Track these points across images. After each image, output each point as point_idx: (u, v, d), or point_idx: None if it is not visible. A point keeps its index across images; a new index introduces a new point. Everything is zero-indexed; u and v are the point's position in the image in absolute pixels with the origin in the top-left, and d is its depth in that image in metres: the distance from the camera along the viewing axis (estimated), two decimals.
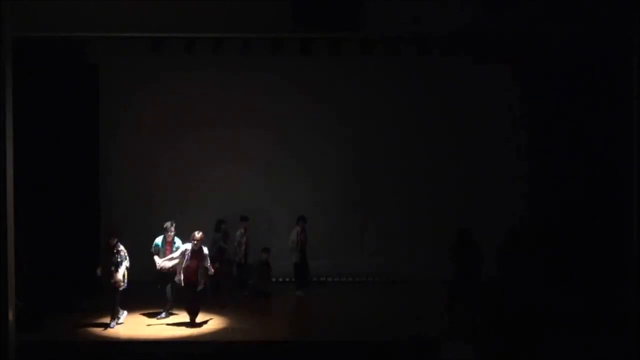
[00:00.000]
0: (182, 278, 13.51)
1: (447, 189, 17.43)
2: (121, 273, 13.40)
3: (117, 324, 13.53)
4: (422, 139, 17.55)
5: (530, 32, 13.37)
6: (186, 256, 13.54)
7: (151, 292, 14.23)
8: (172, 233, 14.08)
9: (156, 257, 14.01)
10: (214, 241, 15.97)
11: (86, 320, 13.88)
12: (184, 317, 13.85)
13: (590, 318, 14.00)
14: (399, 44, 14.58)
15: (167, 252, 14.03)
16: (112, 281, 13.39)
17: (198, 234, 13.56)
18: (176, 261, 13.67)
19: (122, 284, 13.43)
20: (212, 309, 14.23)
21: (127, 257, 13.54)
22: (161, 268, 13.90)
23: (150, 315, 14.23)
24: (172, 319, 14.03)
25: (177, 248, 13.88)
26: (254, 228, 16.65)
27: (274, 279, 16.67)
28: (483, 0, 12.76)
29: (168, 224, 14.12)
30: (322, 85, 17.38)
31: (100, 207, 17.12)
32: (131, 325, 13.70)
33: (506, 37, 14.04)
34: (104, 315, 13.77)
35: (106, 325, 13.44)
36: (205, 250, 13.75)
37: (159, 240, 14.16)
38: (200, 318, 13.75)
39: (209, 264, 13.67)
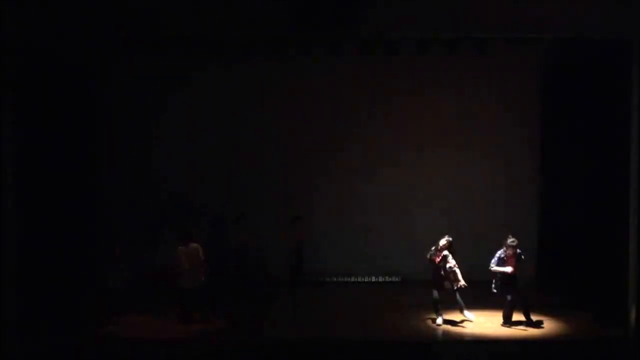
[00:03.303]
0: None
1: (448, 189, 17.45)
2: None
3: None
4: (422, 138, 17.53)
5: (536, 33, 13.37)
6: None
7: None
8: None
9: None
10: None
11: (88, 320, 13.91)
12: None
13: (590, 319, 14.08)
14: (399, 44, 14.55)
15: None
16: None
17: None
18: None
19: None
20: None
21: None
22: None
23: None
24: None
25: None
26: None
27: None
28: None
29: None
30: (322, 85, 17.37)
31: (101, 207, 17.12)
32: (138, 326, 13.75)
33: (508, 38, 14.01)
34: (108, 315, 13.79)
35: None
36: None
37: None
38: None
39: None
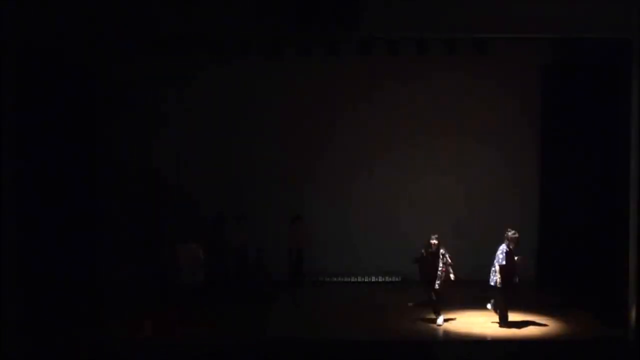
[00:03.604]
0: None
1: (448, 189, 17.45)
2: None
3: None
4: (422, 138, 17.53)
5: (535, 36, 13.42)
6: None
7: None
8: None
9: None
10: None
11: (91, 320, 13.93)
12: None
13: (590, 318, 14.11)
14: (399, 44, 14.56)
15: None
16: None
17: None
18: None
19: None
20: None
21: None
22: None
23: None
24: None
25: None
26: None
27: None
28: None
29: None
30: (322, 85, 17.37)
31: (100, 207, 17.13)
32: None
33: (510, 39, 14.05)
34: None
35: None
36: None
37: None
38: None
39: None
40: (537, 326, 13.66)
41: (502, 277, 13.40)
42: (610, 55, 14.08)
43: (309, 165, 17.61)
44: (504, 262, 13.38)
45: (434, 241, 13.69)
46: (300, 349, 12.47)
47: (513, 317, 13.83)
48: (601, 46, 14.05)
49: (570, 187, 16.20)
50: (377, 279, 17.52)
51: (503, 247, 13.47)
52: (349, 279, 17.54)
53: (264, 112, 17.44)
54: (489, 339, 13.09)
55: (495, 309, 13.78)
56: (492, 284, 13.57)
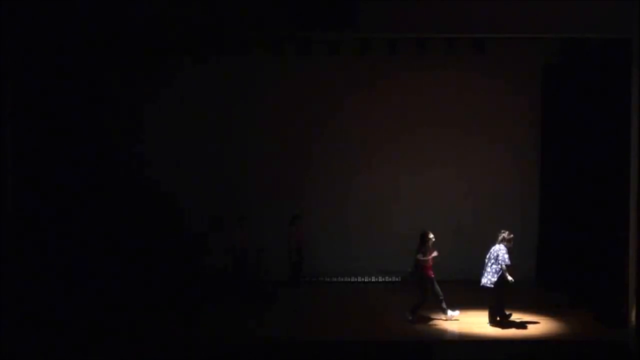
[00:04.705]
0: None
1: (448, 189, 17.44)
2: None
3: None
4: (422, 138, 17.52)
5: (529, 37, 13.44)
6: None
7: None
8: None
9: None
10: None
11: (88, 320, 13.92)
12: None
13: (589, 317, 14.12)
14: (398, 43, 14.57)
15: None
16: None
17: None
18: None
19: None
20: None
21: None
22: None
23: None
24: None
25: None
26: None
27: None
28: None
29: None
30: (320, 84, 17.36)
31: (99, 207, 17.11)
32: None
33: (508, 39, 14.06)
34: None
35: None
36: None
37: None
38: None
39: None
40: (537, 326, 13.67)
41: (502, 276, 13.42)
42: (610, 55, 14.08)
43: (308, 165, 17.62)
44: (509, 262, 13.40)
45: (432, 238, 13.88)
46: (300, 349, 12.46)
47: (513, 317, 13.84)
48: (601, 46, 14.04)
49: (571, 186, 16.20)
50: (376, 279, 17.53)
51: (503, 248, 13.46)
52: (349, 279, 17.56)
53: (263, 112, 17.43)
54: (488, 339, 13.10)
55: (493, 311, 13.76)
56: (490, 284, 13.55)
